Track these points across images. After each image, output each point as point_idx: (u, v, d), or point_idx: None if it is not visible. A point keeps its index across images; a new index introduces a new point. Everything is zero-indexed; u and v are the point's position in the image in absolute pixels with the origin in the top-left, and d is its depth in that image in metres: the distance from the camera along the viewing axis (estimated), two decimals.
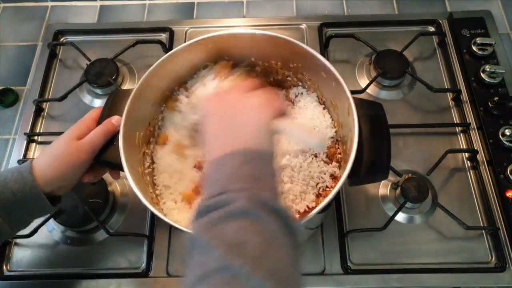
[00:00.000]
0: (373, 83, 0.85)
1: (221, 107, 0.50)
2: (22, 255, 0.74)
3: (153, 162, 0.71)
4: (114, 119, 0.60)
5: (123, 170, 0.57)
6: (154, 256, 0.72)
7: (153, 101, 0.69)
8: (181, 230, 0.52)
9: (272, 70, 0.73)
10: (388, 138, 0.59)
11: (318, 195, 0.65)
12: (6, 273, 0.73)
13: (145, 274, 0.71)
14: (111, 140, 0.60)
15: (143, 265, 0.72)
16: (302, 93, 0.72)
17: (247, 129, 0.47)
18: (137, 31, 0.95)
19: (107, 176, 0.65)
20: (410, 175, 0.74)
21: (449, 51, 0.89)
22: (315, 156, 0.66)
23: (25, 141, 0.83)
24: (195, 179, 0.66)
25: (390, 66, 0.85)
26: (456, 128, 0.82)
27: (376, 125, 0.60)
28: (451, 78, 0.87)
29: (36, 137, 0.85)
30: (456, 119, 0.83)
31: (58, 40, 0.95)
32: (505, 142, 0.76)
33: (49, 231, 0.75)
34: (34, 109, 0.86)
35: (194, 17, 1.00)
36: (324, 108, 0.70)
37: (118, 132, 0.59)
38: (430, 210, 0.74)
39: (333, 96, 0.65)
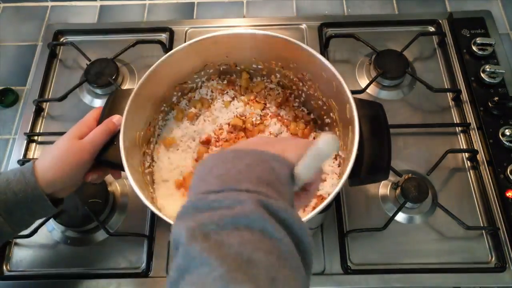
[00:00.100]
0: (373, 83, 0.86)
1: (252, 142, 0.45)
2: (22, 255, 0.74)
3: (153, 161, 0.71)
4: (115, 118, 0.61)
5: (123, 170, 0.57)
6: (154, 256, 0.72)
7: (153, 101, 0.69)
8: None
9: (272, 71, 0.73)
10: (388, 138, 0.59)
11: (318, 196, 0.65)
12: (6, 273, 0.73)
13: (145, 274, 0.71)
14: (112, 139, 0.60)
15: (143, 265, 0.72)
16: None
17: (281, 146, 0.41)
18: (137, 31, 0.95)
19: (107, 176, 0.65)
20: (410, 175, 0.74)
21: (449, 51, 0.89)
22: None
23: (25, 141, 0.83)
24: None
25: (390, 66, 0.85)
26: (456, 128, 0.82)
27: (376, 125, 0.60)
28: (451, 78, 0.87)
29: (36, 137, 0.85)
30: (456, 119, 0.83)
31: (58, 40, 0.95)
32: (505, 142, 0.76)
33: (49, 231, 0.75)
34: (34, 109, 0.86)
35: (194, 17, 1.00)
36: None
37: (118, 132, 0.59)
38: (430, 210, 0.74)
39: (333, 96, 0.65)
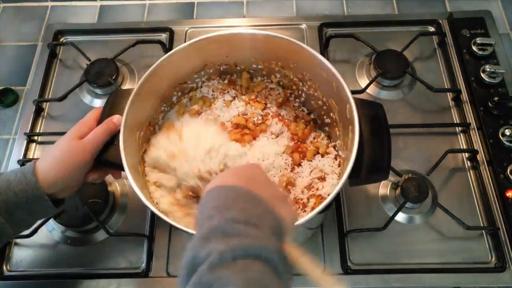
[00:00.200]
0: (373, 83, 0.86)
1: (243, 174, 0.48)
2: (22, 255, 0.74)
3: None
4: (115, 118, 0.61)
5: (123, 170, 0.57)
6: (154, 256, 0.72)
7: (153, 100, 0.69)
8: (181, 230, 0.52)
9: (272, 71, 0.73)
10: (388, 138, 0.59)
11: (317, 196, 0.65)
12: (6, 273, 0.73)
13: (145, 274, 0.71)
14: (112, 139, 0.60)
15: (143, 265, 0.72)
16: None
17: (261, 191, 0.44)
18: (137, 31, 0.95)
19: (107, 176, 0.65)
20: (410, 175, 0.74)
21: (449, 51, 0.89)
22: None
23: (25, 141, 0.83)
24: None
25: (390, 66, 0.85)
26: (456, 128, 0.82)
27: (376, 125, 0.60)
28: (451, 78, 0.87)
29: (36, 137, 0.85)
30: (456, 119, 0.83)
31: (58, 40, 0.95)
32: (505, 142, 0.77)
33: (49, 231, 0.75)
34: (34, 109, 0.86)
35: (194, 17, 1.00)
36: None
37: (118, 132, 0.59)
38: (430, 210, 0.74)
39: (333, 96, 0.65)
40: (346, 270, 0.70)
